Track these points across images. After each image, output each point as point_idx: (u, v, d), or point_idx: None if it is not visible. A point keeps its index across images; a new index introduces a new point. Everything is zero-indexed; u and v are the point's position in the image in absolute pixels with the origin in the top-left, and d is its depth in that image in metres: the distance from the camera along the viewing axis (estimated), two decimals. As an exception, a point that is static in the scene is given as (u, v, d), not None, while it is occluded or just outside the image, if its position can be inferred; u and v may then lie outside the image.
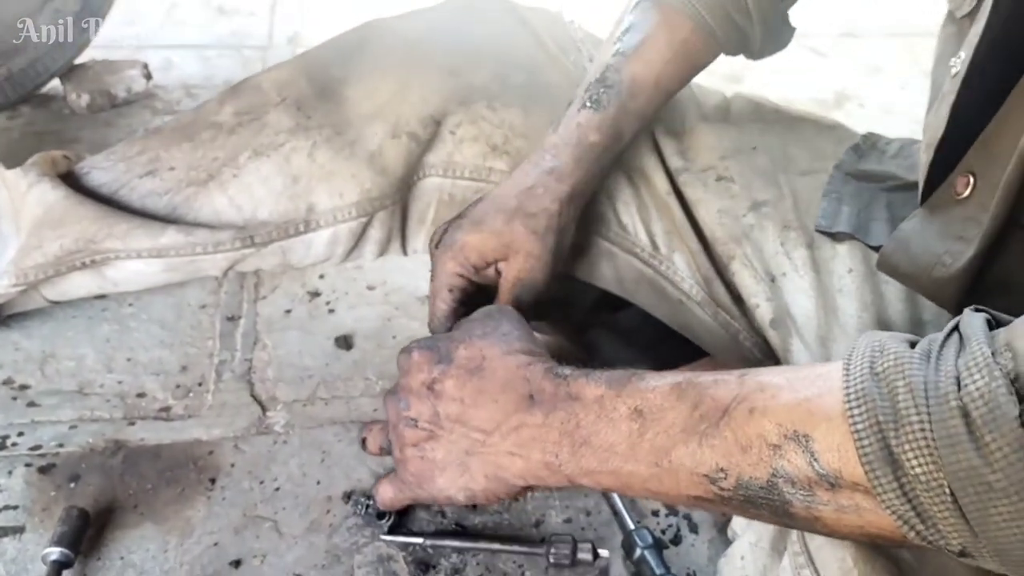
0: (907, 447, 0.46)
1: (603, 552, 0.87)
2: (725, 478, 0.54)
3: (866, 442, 0.47)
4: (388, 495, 0.80)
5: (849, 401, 0.49)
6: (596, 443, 0.61)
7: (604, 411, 0.61)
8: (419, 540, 0.87)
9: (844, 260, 0.84)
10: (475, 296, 0.84)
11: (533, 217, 0.82)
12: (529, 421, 0.65)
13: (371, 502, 0.89)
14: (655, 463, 0.58)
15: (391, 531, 0.87)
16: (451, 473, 0.71)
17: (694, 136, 0.95)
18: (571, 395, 0.64)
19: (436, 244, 0.86)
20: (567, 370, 0.66)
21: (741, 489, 0.54)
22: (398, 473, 0.77)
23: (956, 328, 0.50)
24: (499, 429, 0.67)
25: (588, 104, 0.85)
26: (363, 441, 0.84)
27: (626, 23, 0.89)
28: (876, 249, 0.83)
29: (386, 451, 0.81)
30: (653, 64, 0.87)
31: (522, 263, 0.82)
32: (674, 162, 0.93)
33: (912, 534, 0.48)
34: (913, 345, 0.50)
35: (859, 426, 0.48)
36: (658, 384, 0.60)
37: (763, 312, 0.83)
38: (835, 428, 0.50)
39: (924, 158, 0.71)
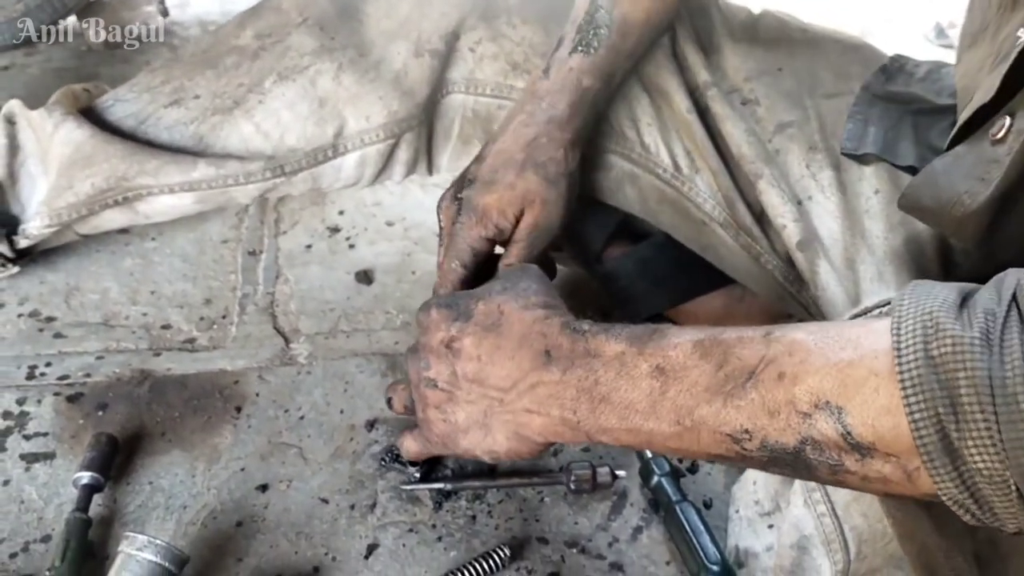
0: (970, 443, 0.44)
1: (620, 472, 0.88)
2: (750, 439, 0.53)
3: (924, 432, 0.45)
4: (414, 449, 0.79)
5: (905, 388, 0.46)
6: (616, 400, 0.59)
7: (624, 368, 0.59)
8: (440, 485, 0.87)
9: (870, 182, 0.83)
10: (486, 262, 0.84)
11: (543, 166, 0.82)
12: (546, 378, 0.63)
13: (395, 454, 0.89)
14: (676, 421, 0.56)
15: (421, 479, 0.88)
16: (474, 435, 0.70)
17: (720, 55, 0.94)
18: (589, 352, 0.62)
19: (447, 206, 0.84)
20: (585, 325, 0.64)
21: (766, 451, 0.52)
22: (422, 432, 0.76)
23: (1014, 300, 0.46)
24: (515, 387, 0.65)
25: (579, 48, 0.84)
26: (389, 401, 0.82)
27: None
28: (905, 169, 0.83)
29: (411, 410, 0.79)
30: (642, 1, 0.85)
31: (539, 211, 0.82)
32: (702, 76, 0.91)
33: (968, 516, 0.47)
34: (964, 302, 0.47)
35: (917, 416, 0.46)
36: (680, 341, 0.58)
37: (790, 233, 0.82)
38: (870, 400, 0.48)
39: (964, 104, 0.68)
